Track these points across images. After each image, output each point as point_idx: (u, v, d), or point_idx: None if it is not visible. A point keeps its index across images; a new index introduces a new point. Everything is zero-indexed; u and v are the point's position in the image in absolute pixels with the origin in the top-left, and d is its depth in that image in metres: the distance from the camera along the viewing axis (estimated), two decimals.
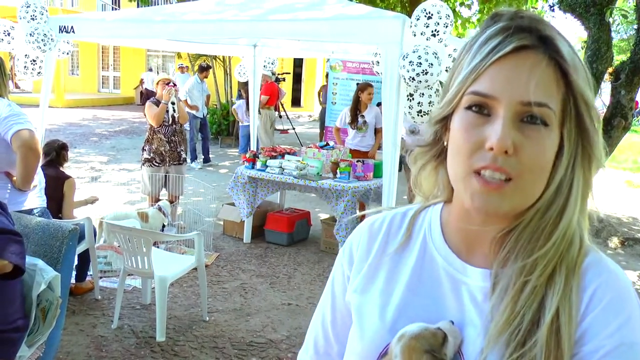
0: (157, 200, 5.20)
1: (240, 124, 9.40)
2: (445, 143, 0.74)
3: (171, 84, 5.31)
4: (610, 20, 6.25)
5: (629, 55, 6.25)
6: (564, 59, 0.65)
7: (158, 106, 5.16)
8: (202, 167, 9.15)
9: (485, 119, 0.66)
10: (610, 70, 6.54)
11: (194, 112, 8.99)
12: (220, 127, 11.92)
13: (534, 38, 0.66)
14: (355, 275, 0.83)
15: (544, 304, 0.65)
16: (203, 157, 9.43)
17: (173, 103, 5.26)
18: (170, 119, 5.26)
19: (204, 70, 9.36)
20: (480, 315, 0.70)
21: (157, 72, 18.07)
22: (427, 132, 0.79)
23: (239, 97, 9.91)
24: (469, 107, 0.68)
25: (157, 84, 5.43)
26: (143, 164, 5.32)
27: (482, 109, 0.67)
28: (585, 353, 0.63)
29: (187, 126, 8.75)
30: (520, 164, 0.64)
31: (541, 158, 0.65)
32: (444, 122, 0.74)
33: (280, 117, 12.27)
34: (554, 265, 0.66)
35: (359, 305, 0.80)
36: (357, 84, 7.09)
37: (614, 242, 6.04)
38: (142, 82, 18.48)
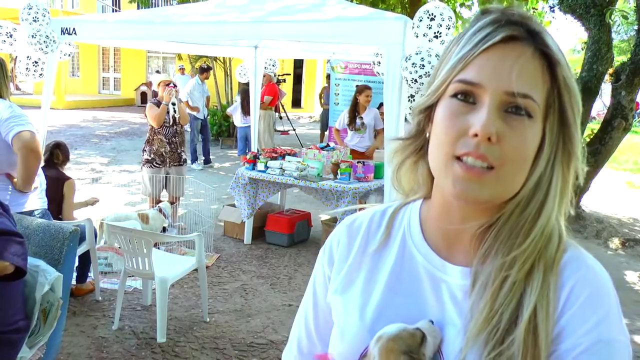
0: (158, 201, 5.20)
1: (237, 126, 9.40)
2: (427, 135, 0.74)
3: (171, 85, 5.32)
4: (611, 21, 6.23)
5: (629, 56, 6.24)
6: (552, 50, 0.66)
7: (159, 107, 5.17)
8: (203, 169, 9.15)
9: (471, 107, 0.67)
10: (610, 71, 6.54)
11: (194, 113, 8.99)
12: (221, 129, 11.91)
13: (523, 31, 0.67)
14: (335, 275, 0.83)
15: (522, 301, 0.65)
16: (203, 158, 9.43)
17: (174, 104, 5.26)
18: (171, 120, 5.26)
19: (204, 71, 9.36)
20: (459, 313, 0.69)
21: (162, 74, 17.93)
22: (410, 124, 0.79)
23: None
24: (454, 95, 0.68)
25: (158, 85, 5.44)
26: (143, 165, 5.31)
27: (467, 97, 0.67)
28: (562, 351, 0.63)
29: (187, 127, 8.76)
30: (502, 153, 0.64)
31: (523, 149, 0.66)
32: (428, 112, 0.74)
33: (281, 118, 12.27)
34: (532, 262, 0.66)
35: (339, 305, 0.80)
36: (356, 85, 7.10)
37: (615, 242, 6.04)
38: (150, 84, 18.43)
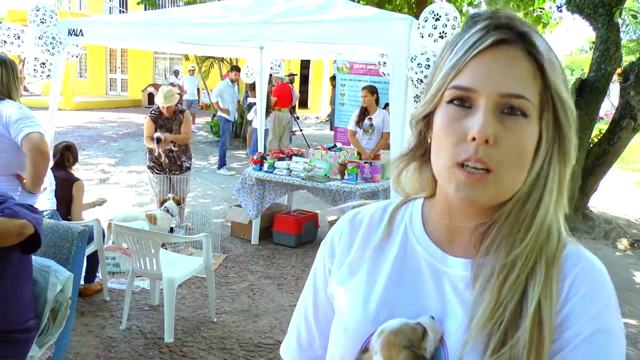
0: (164, 201, 5.21)
1: (251, 125, 9.32)
2: (429, 140, 0.76)
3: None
4: (619, 20, 6.20)
5: (638, 55, 6.20)
6: (540, 54, 0.68)
7: (154, 122, 5.05)
8: (231, 175, 8.75)
9: (467, 112, 0.68)
10: (619, 71, 6.50)
11: (225, 115, 8.87)
12: None
13: (512, 33, 0.68)
14: (337, 267, 0.84)
15: (526, 295, 0.67)
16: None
17: (159, 141, 5.01)
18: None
19: (233, 70, 9.14)
20: (462, 304, 0.71)
21: (178, 77, 17.07)
22: (411, 134, 0.80)
23: (246, 96, 9.82)
24: (450, 101, 0.70)
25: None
26: (147, 169, 5.38)
27: (464, 102, 0.69)
28: (564, 339, 0.65)
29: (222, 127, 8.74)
30: (500, 154, 0.66)
31: (521, 149, 0.67)
32: (427, 119, 0.76)
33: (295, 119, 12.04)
34: (535, 257, 0.68)
35: (342, 296, 0.81)
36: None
37: (623, 243, 6.00)
38: (155, 85, 18.26)
